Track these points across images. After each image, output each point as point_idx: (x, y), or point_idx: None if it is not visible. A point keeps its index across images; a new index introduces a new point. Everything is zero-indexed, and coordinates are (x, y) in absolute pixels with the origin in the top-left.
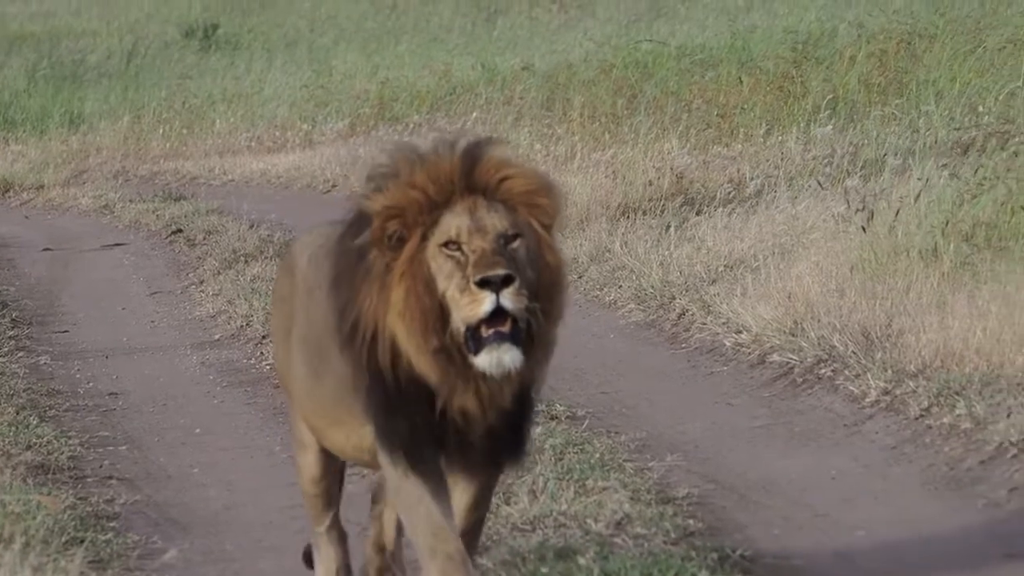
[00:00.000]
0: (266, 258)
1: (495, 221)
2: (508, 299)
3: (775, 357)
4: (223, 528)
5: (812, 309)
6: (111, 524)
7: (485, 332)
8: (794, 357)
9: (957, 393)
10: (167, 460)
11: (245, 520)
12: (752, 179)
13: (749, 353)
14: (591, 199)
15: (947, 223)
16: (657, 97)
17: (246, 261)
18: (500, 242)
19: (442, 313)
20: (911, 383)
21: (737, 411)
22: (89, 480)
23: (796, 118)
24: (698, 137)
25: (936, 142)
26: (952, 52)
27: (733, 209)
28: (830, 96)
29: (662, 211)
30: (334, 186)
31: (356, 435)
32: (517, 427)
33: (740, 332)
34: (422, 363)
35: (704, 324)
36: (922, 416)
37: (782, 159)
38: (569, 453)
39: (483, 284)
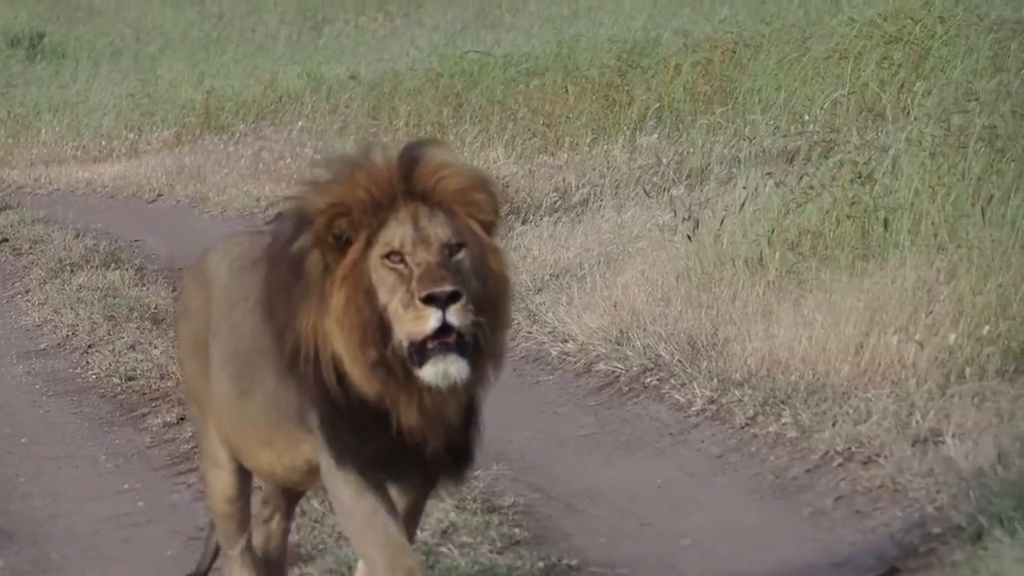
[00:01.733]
0: (92, 267)
1: (438, 230)
2: (454, 315)
3: (601, 366)
4: (49, 538)
5: (638, 318)
6: None
7: (430, 344)
8: (620, 366)
9: (783, 402)
10: None
11: (71, 530)
12: (578, 188)
13: (575, 362)
14: None
15: (772, 232)
16: (483, 106)
17: (72, 271)
18: (445, 253)
19: (382, 325)
20: (737, 392)
21: (563, 420)
22: None
23: (622, 127)
24: (524, 146)
25: (762, 151)
26: (777, 61)
27: (559, 218)
28: (656, 105)
29: None
30: (160, 195)
31: (289, 455)
32: (462, 441)
33: (566, 341)
34: (357, 374)
35: (530, 333)
36: (748, 425)
37: (608, 168)
38: None
39: (429, 300)
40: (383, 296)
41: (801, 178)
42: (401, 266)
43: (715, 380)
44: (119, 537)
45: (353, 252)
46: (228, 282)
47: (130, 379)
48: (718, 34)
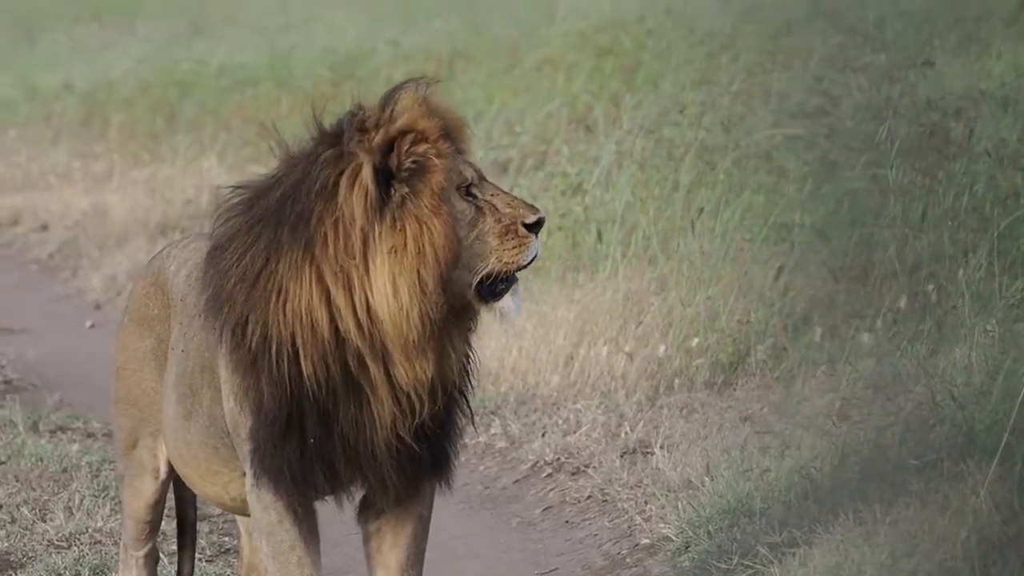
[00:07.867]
0: None
1: (476, 167)
2: (539, 245)
3: None
4: None
5: None
6: None
7: (502, 281)
8: None
9: (493, 413)
10: None
11: None
12: None
13: None
14: (130, 217)
15: None
16: (197, 116)
17: None
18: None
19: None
20: None
21: None
22: None
23: None
24: (236, 155)
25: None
26: (489, 72)
27: None
28: None
29: (202, 229)
30: None
31: (236, 486)
32: (438, 436)
33: None
34: (414, 316)
35: None
36: None
37: None
38: (105, 470)
39: (534, 227)
40: (462, 229)
41: (512, 189)
42: (470, 199)
43: None
44: None
45: (437, 181)
46: (186, 294)
47: None
48: (431, 45)
